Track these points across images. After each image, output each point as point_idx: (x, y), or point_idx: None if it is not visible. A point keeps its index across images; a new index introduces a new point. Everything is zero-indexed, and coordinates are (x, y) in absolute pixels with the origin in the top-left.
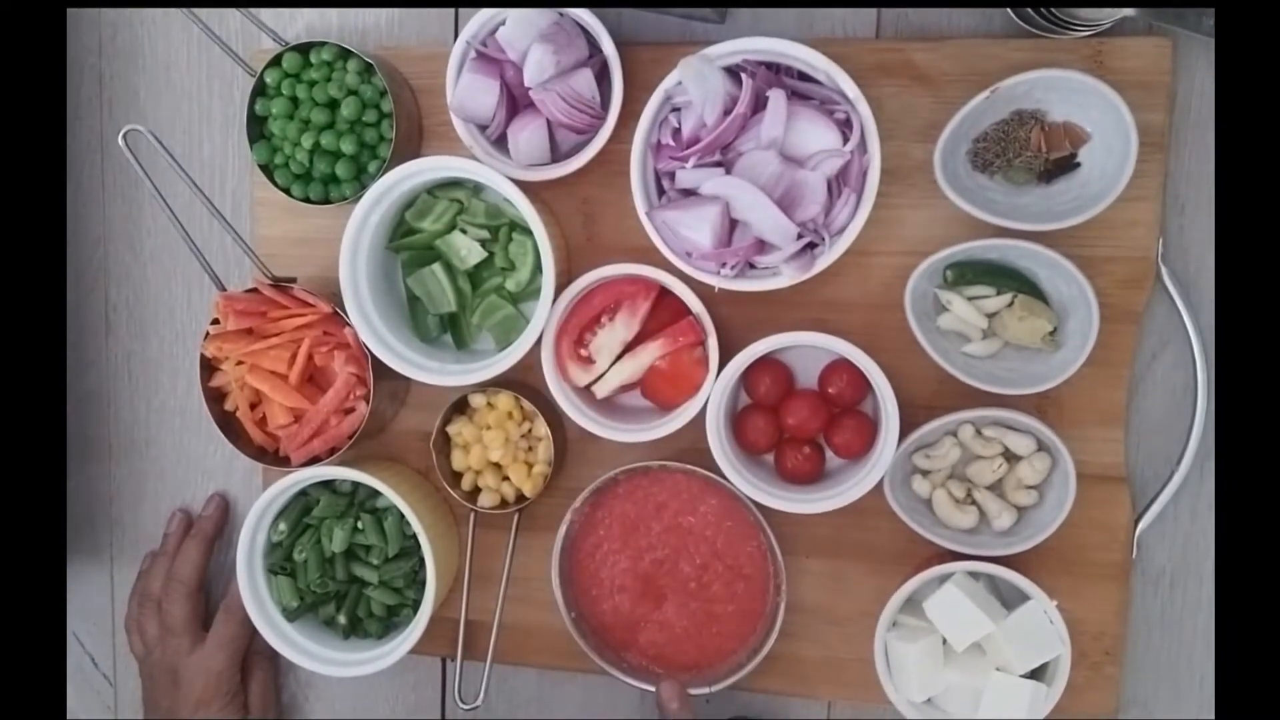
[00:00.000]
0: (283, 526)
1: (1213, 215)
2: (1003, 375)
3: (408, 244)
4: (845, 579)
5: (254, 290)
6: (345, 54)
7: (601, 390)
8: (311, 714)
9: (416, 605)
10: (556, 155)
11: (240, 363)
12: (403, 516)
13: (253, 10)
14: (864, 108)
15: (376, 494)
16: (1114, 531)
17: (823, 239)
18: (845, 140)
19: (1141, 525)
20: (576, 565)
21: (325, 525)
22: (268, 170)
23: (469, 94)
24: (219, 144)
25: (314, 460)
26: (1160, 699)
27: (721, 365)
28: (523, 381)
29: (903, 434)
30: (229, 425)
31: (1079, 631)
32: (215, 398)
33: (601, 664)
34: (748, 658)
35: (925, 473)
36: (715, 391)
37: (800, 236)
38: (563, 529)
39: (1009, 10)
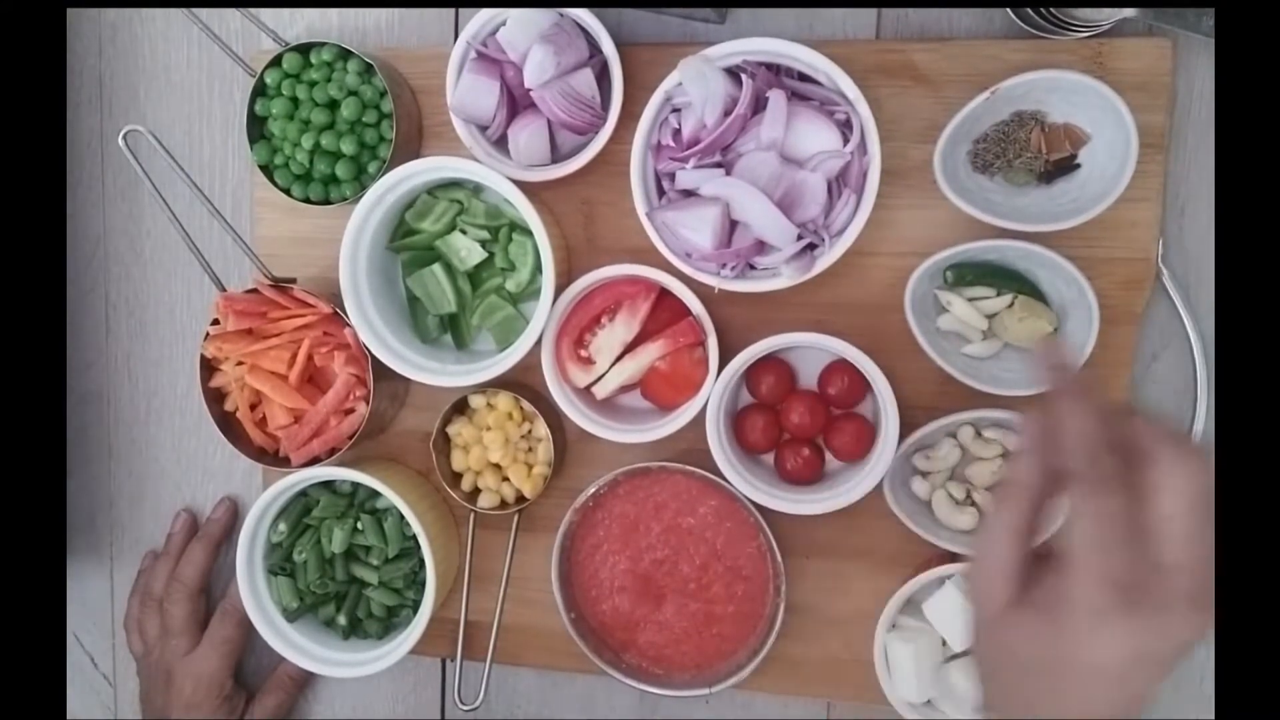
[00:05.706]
0: (282, 527)
1: (1213, 215)
2: (1003, 376)
3: (408, 244)
4: (845, 580)
5: (254, 290)
6: (345, 54)
7: (601, 391)
8: (311, 714)
9: (416, 606)
10: (556, 155)
11: (240, 363)
12: (403, 517)
13: (253, 10)
14: (864, 109)
15: (376, 494)
16: None
17: (823, 240)
18: (845, 141)
19: None
20: (576, 566)
21: (325, 526)
22: (268, 170)
23: (469, 94)
24: (219, 144)
25: (314, 461)
26: (1160, 699)
27: (721, 366)
28: (523, 382)
29: (902, 435)
30: (229, 425)
31: None
32: (215, 398)
33: (600, 665)
34: (748, 658)
35: (925, 474)
36: (715, 392)
37: (800, 237)
38: (562, 529)
39: (1009, 11)
